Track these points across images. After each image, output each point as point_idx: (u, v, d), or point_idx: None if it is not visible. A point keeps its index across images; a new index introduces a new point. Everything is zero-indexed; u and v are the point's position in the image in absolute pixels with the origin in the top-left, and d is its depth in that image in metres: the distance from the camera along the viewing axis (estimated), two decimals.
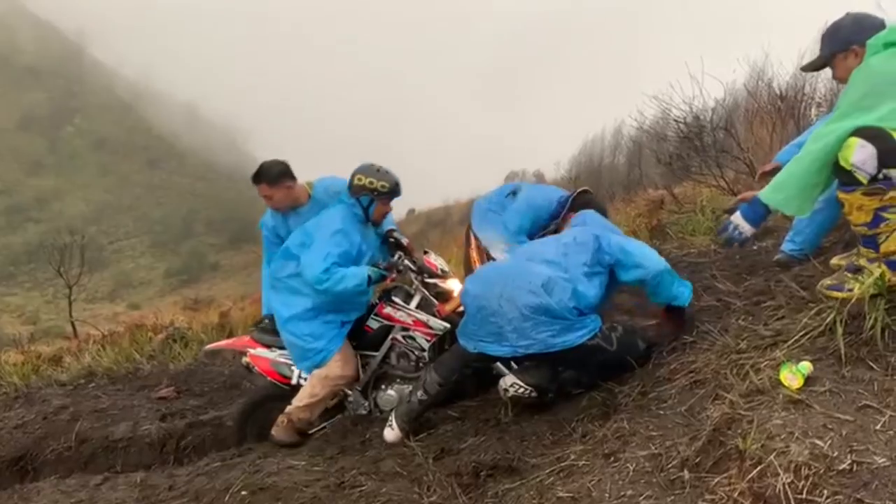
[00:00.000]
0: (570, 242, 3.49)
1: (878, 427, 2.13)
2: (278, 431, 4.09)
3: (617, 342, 3.31)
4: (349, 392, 4.23)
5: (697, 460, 2.40)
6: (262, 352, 4.34)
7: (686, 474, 2.36)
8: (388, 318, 4.20)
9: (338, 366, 4.03)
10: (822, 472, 1.99)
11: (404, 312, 4.17)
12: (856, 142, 2.65)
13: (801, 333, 2.71)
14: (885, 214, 2.74)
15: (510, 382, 3.42)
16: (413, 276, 4.17)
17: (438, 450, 3.39)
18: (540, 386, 3.42)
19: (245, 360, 4.46)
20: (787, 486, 1.97)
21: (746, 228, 3.00)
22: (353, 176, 4.10)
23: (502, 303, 3.29)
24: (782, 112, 7.71)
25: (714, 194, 6.74)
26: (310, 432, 4.22)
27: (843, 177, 2.74)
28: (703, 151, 7.39)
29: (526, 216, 4.22)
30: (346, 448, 3.78)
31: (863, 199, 2.73)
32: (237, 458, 3.92)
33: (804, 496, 1.93)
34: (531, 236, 4.16)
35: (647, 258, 3.37)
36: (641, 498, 2.35)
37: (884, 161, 2.62)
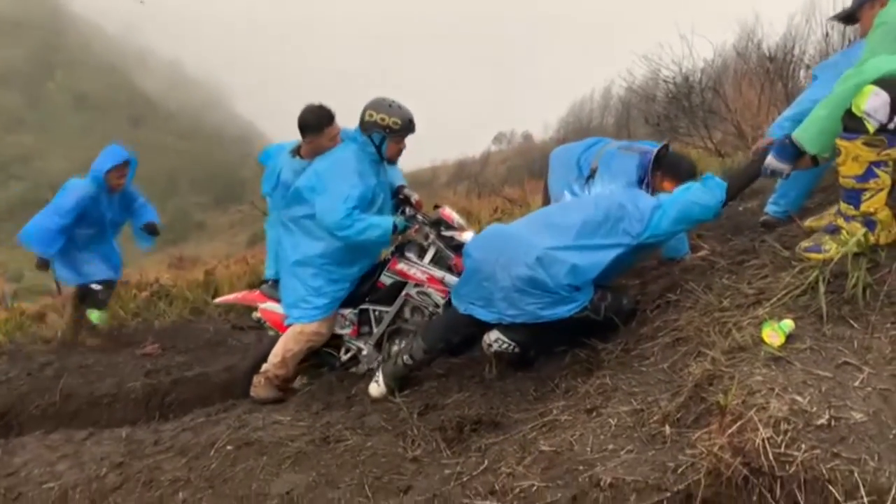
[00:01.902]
0: (593, 211, 3.32)
1: (856, 384, 2.15)
2: (257, 390, 4.07)
3: (605, 311, 3.30)
4: (362, 346, 4.19)
5: (679, 415, 2.43)
6: (272, 306, 4.28)
7: (667, 429, 2.39)
8: (402, 273, 4.10)
9: (315, 323, 3.97)
10: (800, 427, 2.02)
11: (418, 269, 4.06)
12: (871, 89, 2.64)
13: (783, 292, 2.73)
14: (877, 170, 2.75)
15: (494, 338, 3.41)
16: (428, 229, 4.05)
17: (423, 405, 3.41)
18: (523, 342, 3.42)
19: (256, 314, 4.43)
20: (766, 441, 1.99)
21: (782, 167, 3.03)
22: (363, 112, 3.89)
23: (497, 269, 3.26)
24: (771, 74, 7.69)
25: (701, 155, 6.74)
26: (295, 387, 4.23)
27: (852, 123, 2.72)
28: (691, 112, 7.38)
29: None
30: (331, 403, 3.80)
31: (862, 148, 2.72)
32: (222, 414, 3.93)
33: (782, 450, 1.96)
34: None
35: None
36: (623, 452, 2.38)
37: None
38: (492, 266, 3.28)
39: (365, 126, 3.87)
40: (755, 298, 2.81)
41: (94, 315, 5.94)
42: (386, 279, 4.15)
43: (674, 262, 3.81)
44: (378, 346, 4.18)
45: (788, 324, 2.48)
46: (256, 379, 4.09)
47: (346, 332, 4.20)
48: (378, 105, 3.87)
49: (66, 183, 5.69)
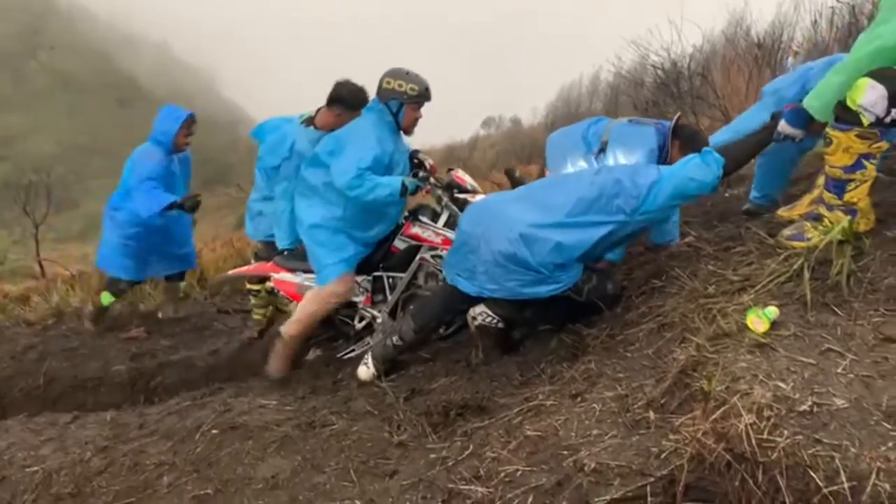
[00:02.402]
0: (587, 188, 3.24)
1: (839, 370, 2.17)
2: (273, 358, 4.08)
3: (587, 293, 3.31)
4: (377, 314, 4.19)
5: (663, 401, 2.44)
6: (286, 276, 4.28)
7: (651, 415, 2.40)
8: (416, 237, 4.11)
9: (335, 282, 3.94)
10: (783, 413, 2.03)
11: (432, 231, 4.08)
12: (867, 82, 2.64)
13: (768, 279, 2.74)
14: (865, 162, 2.76)
15: (479, 310, 3.43)
16: (441, 192, 4.07)
17: (409, 390, 3.42)
18: (507, 318, 3.43)
19: (269, 284, 4.46)
20: (749, 427, 2.00)
21: (795, 132, 3.01)
22: (381, 80, 3.92)
23: (481, 243, 3.26)
24: (759, 60, 7.71)
25: None
26: (309, 358, 4.26)
27: (845, 115, 2.72)
28: (679, 98, 7.39)
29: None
30: (317, 388, 3.80)
31: (854, 140, 2.74)
32: (208, 398, 3.92)
33: (765, 436, 1.97)
34: None
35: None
36: (607, 437, 2.39)
37: (894, 102, 2.61)
38: (477, 239, 3.29)
39: (382, 94, 3.90)
40: (740, 285, 2.82)
41: (105, 297, 5.85)
42: (400, 244, 4.15)
43: (661, 248, 3.81)
44: (393, 313, 4.16)
45: (773, 311, 2.49)
46: (276, 343, 4.10)
47: (360, 299, 4.20)
48: (395, 73, 3.91)
49: (134, 154, 5.50)
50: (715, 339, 2.53)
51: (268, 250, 4.74)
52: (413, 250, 4.12)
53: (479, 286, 3.31)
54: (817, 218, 2.96)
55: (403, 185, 3.74)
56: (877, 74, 2.64)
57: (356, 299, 4.20)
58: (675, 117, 3.84)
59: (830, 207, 2.91)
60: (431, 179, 4.05)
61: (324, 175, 3.87)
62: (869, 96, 2.63)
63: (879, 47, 2.64)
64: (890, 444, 1.86)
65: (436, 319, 3.65)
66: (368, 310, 4.22)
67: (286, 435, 3.13)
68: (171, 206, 5.09)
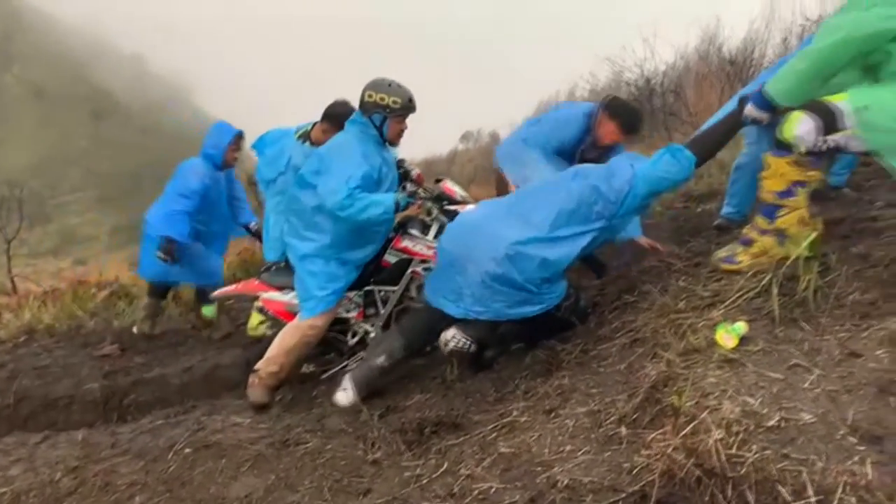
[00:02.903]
0: (565, 198, 3.26)
1: (805, 385, 2.20)
2: (251, 391, 3.93)
3: (568, 312, 3.33)
4: (370, 329, 4.15)
5: (634, 417, 2.47)
6: (274, 295, 4.21)
7: (623, 430, 2.42)
8: (406, 250, 4.08)
9: (316, 314, 3.84)
10: (751, 428, 2.06)
11: (422, 244, 4.05)
12: (799, 115, 2.76)
13: (737, 294, 2.78)
14: (797, 189, 2.88)
15: (451, 335, 3.39)
16: (430, 204, 3.96)
17: (384, 407, 3.41)
18: (481, 340, 3.42)
19: (258, 303, 4.33)
20: (718, 442, 2.02)
21: (760, 115, 3.04)
22: (363, 93, 3.79)
23: (468, 265, 3.24)
24: (731, 77, 7.83)
25: None
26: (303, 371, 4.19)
27: (782, 145, 2.83)
28: (652, 115, 7.48)
29: (551, 133, 4.11)
30: (291, 406, 3.78)
31: (788, 167, 2.86)
32: (181, 416, 3.89)
33: (734, 451, 1.99)
34: (565, 155, 4.08)
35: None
36: (580, 453, 2.40)
37: (827, 131, 2.73)
38: (463, 261, 3.27)
39: (365, 107, 3.79)
40: (710, 301, 2.86)
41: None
42: (391, 258, 4.12)
43: (631, 261, 3.85)
44: (386, 327, 4.12)
45: (742, 326, 2.53)
46: (251, 378, 3.95)
47: (353, 315, 4.16)
48: (377, 85, 3.80)
49: (180, 167, 5.39)
50: (685, 354, 2.56)
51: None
52: (404, 264, 4.10)
53: (465, 308, 3.28)
54: (748, 242, 3.05)
55: (396, 202, 3.65)
56: (808, 107, 2.77)
57: (348, 315, 4.17)
58: (605, 100, 4.09)
59: (762, 231, 3.00)
60: (421, 192, 3.99)
61: (311, 197, 3.76)
62: (801, 128, 2.76)
63: (844, 38, 2.71)
64: (856, 459, 1.88)
65: (424, 335, 3.61)
66: (361, 325, 4.18)
67: (260, 454, 3.11)
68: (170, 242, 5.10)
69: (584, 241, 3.20)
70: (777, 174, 2.92)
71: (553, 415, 2.73)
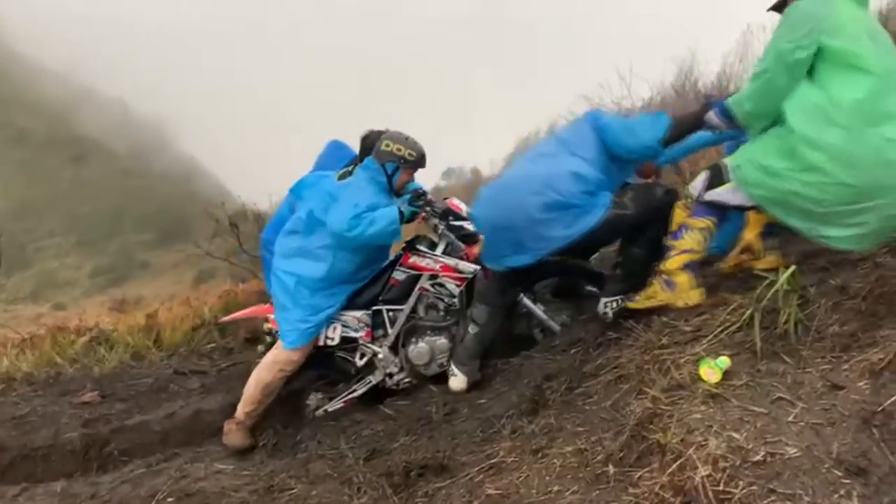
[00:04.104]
0: (566, 134, 3.57)
1: (789, 419, 2.21)
2: (229, 437, 3.94)
3: (633, 203, 3.37)
4: (378, 350, 4.13)
5: (621, 455, 2.45)
6: None
7: (611, 469, 2.41)
8: (415, 266, 4.09)
9: (295, 347, 3.91)
10: (737, 464, 2.06)
11: (430, 259, 4.08)
12: (704, 171, 3.16)
13: (719, 329, 2.79)
14: (683, 232, 3.16)
15: (604, 302, 3.50)
16: (437, 220, 4.08)
17: (369, 450, 3.38)
18: (627, 285, 3.47)
19: (267, 325, 4.35)
20: (705, 479, 2.02)
21: (717, 123, 3.24)
22: (380, 141, 3.98)
23: (511, 214, 3.35)
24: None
25: None
26: (345, 398, 4.21)
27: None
28: None
29: None
30: (275, 451, 3.73)
31: (679, 210, 3.22)
32: (163, 464, 3.83)
33: (721, 488, 1.99)
34: None
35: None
36: (567, 493, 2.38)
37: (709, 185, 3.09)
38: (505, 213, 3.38)
39: (380, 155, 3.97)
40: (693, 336, 2.87)
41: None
42: (399, 275, 4.13)
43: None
44: (394, 348, 4.13)
45: (725, 361, 2.54)
46: (227, 426, 3.97)
47: (360, 335, 4.12)
48: (395, 136, 4.00)
49: None
50: (670, 390, 2.56)
51: None
52: (412, 281, 4.10)
53: (532, 252, 3.38)
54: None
55: (400, 211, 3.78)
56: (713, 166, 3.15)
57: (356, 335, 4.13)
58: None
59: (658, 273, 3.24)
60: (427, 207, 4.07)
61: (319, 236, 3.91)
62: (698, 179, 3.15)
63: (769, 76, 2.93)
64: (842, 493, 1.89)
65: (499, 293, 3.78)
66: (369, 345, 4.14)
67: (244, 501, 3.07)
68: None
69: (595, 152, 3.40)
70: (674, 218, 3.24)
71: (540, 455, 2.71)
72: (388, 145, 3.95)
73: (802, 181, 2.76)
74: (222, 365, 5.94)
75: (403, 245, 4.21)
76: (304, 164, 5.11)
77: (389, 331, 4.13)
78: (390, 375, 4.14)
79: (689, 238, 3.13)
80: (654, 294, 3.23)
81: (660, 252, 3.33)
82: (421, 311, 4.14)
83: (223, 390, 5.15)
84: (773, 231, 3.45)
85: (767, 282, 2.70)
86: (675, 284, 3.13)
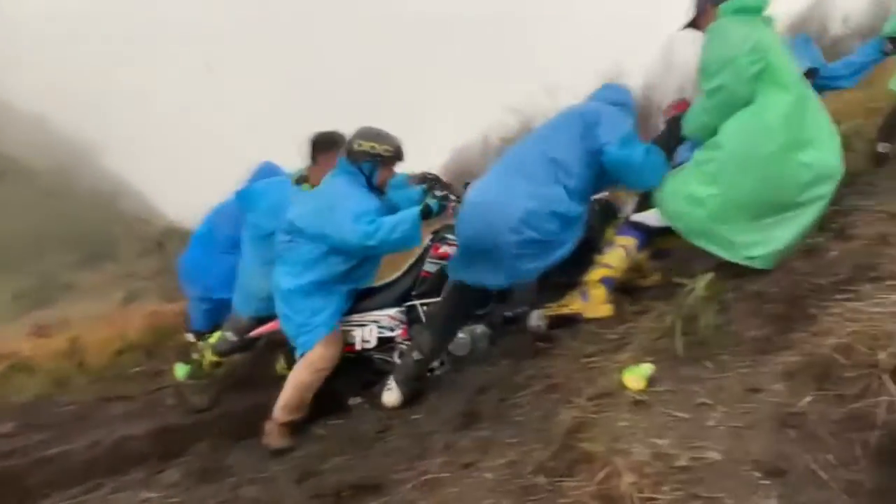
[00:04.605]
0: (555, 144, 3.43)
1: (711, 423, 2.26)
2: (270, 439, 3.81)
3: (594, 221, 3.54)
4: None
5: (552, 465, 2.46)
6: None
7: (541, 479, 2.41)
8: (446, 256, 3.97)
9: (321, 346, 3.76)
10: (662, 470, 2.09)
11: None
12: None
13: (642, 336, 2.85)
14: (607, 249, 3.40)
15: (536, 314, 3.56)
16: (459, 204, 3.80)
17: (301, 472, 3.31)
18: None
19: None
20: (631, 487, 2.04)
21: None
22: (351, 142, 3.81)
23: (489, 238, 3.32)
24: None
25: None
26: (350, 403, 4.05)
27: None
28: None
29: None
30: (205, 476, 3.62)
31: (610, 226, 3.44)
32: (87, 496, 3.69)
33: (646, 494, 2.01)
34: None
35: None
36: None
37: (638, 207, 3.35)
38: (487, 238, 3.33)
39: (354, 156, 3.80)
40: (618, 343, 2.93)
41: (180, 370, 5.26)
42: (430, 267, 4.03)
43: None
44: None
45: (648, 367, 2.60)
46: (269, 426, 3.83)
47: (397, 332, 3.99)
48: (367, 134, 3.83)
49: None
50: (597, 398, 2.60)
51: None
52: (444, 271, 3.95)
53: (507, 278, 3.42)
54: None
55: (427, 207, 3.58)
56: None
57: (392, 334, 4.00)
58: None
59: (580, 283, 3.45)
60: (451, 196, 3.86)
61: (311, 241, 3.76)
62: (632, 201, 3.32)
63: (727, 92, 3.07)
64: (761, 493, 1.94)
65: (452, 324, 3.70)
66: (407, 343, 3.96)
67: None
68: None
69: (581, 167, 3.35)
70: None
71: (473, 468, 2.70)
72: (360, 145, 3.79)
73: (726, 203, 2.88)
74: (150, 388, 5.76)
75: (431, 236, 4.13)
76: (235, 179, 5.05)
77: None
78: (431, 371, 3.94)
79: (611, 254, 3.25)
80: (569, 302, 3.35)
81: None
82: None
83: (150, 415, 5.00)
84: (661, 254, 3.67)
85: (687, 289, 2.77)
86: (590, 296, 3.21)
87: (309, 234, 3.74)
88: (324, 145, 4.24)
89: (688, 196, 2.99)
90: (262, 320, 4.37)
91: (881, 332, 2.14)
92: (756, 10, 3.17)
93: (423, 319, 3.98)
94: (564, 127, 3.48)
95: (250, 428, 4.05)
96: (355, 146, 3.80)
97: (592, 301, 3.26)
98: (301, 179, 4.31)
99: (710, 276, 2.79)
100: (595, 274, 3.27)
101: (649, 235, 3.30)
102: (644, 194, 3.27)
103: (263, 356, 4.93)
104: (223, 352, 4.85)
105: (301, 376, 3.80)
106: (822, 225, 3.01)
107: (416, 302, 4.04)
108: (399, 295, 4.05)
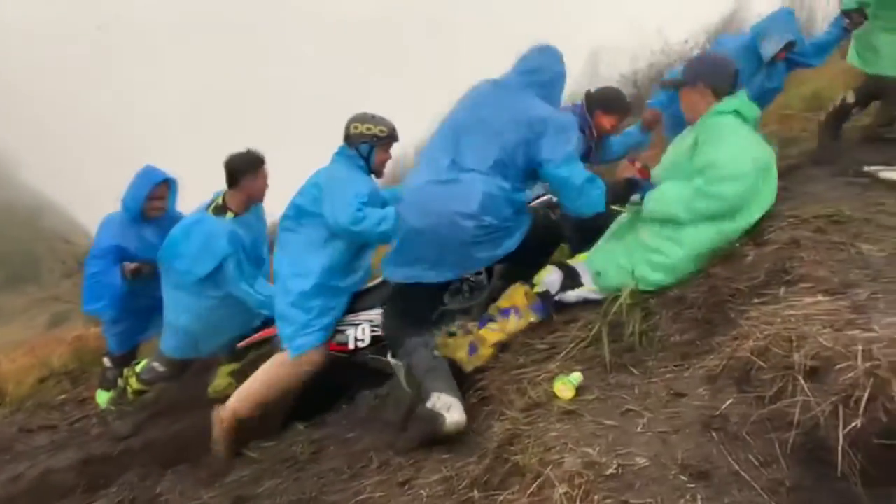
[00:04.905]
0: (497, 137, 3.22)
1: (638, 430, 2.30)
2: (216, 430, 3.73)
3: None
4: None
5: (486, 479, 2.47)
6: None
7: (476, 494, 2.42)
8: None
9: (315, 349, 3.69)
10: (592, 479, 2.11)
11: None
12: (550, 268, 3.39)
13: (571, 345, 2.89)
14: (513, 315, 3.34)
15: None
16: None
17: (234, 498, 3.23)
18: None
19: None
20: (563, 497, 2.06)
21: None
22: (348, 127, 3.85)
23: (441, 230, 3.13)
24: None
25: None
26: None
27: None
28: None
29: None
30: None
31: (520, 296, 3.38)
32: None
33: None
34: None
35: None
36: None
37: (570, 286, 3.34)
38: (432, 228, 3.15)
39: (351, 139, 3.85)
40: (547, 353, 2.96)
41: (101, 397, 5.03)
42: None
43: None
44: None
45: (577, 376, 2.63)
46: (215, 416, 3.76)
47: None
48: (362, 118, 3.88)
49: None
50: (528, 409, 2.62)
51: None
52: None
53: (454, 271, 3.27)
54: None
55: None
56: (557, 263, 3.40)
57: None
58: (585, 92, 4.26)
59: (466, 332, 3.39)
60: None
61: (311, 226, 3.71)
62: (550, 277, 3.34)
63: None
64: (688, 497, 1.98)
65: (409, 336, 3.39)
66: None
67: None
68: None
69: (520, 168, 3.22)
70: (509, 297, 3.39)
71: (407, 486, 2.69)
72: (356, 128, 3.83)
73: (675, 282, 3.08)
74: (74, 417, 5.54)
75: None
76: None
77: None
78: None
79: (517, 323, 3.25)
80: (454, 347, 3.29)
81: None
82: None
83: (75, 445, 4.80)
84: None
85: (613, 297, 2.82)
86: (478, 352, 3.21)
87: (309, 212, 3.72)
88: (247, 166, 4.20)
89: (639, 278, 3.02)
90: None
91: (795, 335, 2.22)
92: (750, 121, 3.27)
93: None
94: (510, 125, 3.22)
95: (180, 454, 3.94)
96: (352, 129, 3.85)
97: (477, 357, 3.23)
98: (219, 209, 4.21)
99: (633, 283, 2.85)
100: (493, 336, 3.24)
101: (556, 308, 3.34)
102: (569, 274, 3.31)
103: (193, 379, 4.81)
104: (148, 381, 4.69)
105: (278, 371, 3.74)
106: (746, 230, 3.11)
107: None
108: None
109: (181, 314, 4.35)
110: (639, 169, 3.45)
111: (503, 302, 3.37)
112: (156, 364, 4.57)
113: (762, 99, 4.58)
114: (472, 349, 3.22)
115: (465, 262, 3.25)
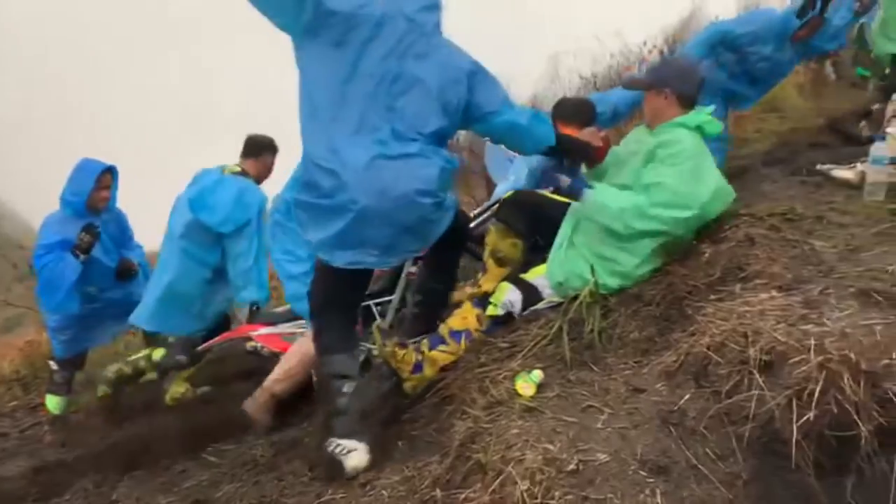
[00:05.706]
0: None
1: (598, 426, 2.32)
2: (249, 405, 3.78)
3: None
4: (372, 347, 3.75)
5: (448, 478, 2.46)
6: (267, 330, 3.99)
7: (438, 493, 2.41)
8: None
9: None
10: (553, 475, 2.12)
11: None
12: (507, 286, 3.31)
13: (532, 343, 2.90)
14: (463, 338, 3.25)
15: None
16: None
17: (192, 502, 3.18)
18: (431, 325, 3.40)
19: (251, 344, 4.13)
20: (524, 494, 2.06)
21: (564, 180, 3.16)
22: None
23: (400, 213, 2.71)
24: None
25: None
26: None
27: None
28: None
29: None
30: None
31: (473, 316, 3.31)
32: None
33: (540, 500, 2.04)
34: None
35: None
36: None
37: (529, 303, 3.28)
38: (391, 212, 2.70)
39: None
40: (509, 352, 2.96)
41: (51, 402, 4.90)
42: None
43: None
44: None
45: (538, 374, 2.64)
46: (257, 393, 3.79)
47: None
48: None
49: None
50: (489, 407, 2.62)
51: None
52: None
53: (399, 254, 2.95)
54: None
55: None
56: (514, 281, 3.32)
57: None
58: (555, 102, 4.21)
59: (418, 350, 3.22)
60: None
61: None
62: (510, 296, 3.27)
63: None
64: (647, 492, 2.00)
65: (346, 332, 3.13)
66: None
67: None
68: None
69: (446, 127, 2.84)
70: (461, 315, 3.31)
71: (368, 487, 2.67)
72: None
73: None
74: (26, 424, 5.40)
75: None
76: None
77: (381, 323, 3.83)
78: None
79: (466, 346, 3.20)
80: (401, 360, 3.12)
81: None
82: (410, 298, 3.78)
83: (26, 453, 4.68)
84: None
85: (573, 294, 2.84)
86: (423, 373, 3.15)
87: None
88: (269, 145, 4.48)
89: (601, 285, 2.98)
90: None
91: (751, 330, 2.26)
92: (712, 137, 3.25)
93: (379, 319, 3.80)
94: (449, 85, 2.80)
95: (135, 459, 3.85)
96: None
97: (422, 378, 3.17)
98: (238, 174, 4.35)
99: (593, 280, 2.87)
100: (442, 359, 3.16)
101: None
102: (528, 293, 3.27)
103: (148, 385, 4.73)
104: (166, 367, 4.69)
105: (290, 365, 3.83)
106: (699, 228, 3.15)
107: (370, 302, 3.88)
108: (381, 289, 3.96)
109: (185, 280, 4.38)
110: (602, 137, 3.37)
111: (455, 322, 3.26)
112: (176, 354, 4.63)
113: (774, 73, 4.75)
114: (418, 368, 3.12)
115: (417, 241, 2.89)
